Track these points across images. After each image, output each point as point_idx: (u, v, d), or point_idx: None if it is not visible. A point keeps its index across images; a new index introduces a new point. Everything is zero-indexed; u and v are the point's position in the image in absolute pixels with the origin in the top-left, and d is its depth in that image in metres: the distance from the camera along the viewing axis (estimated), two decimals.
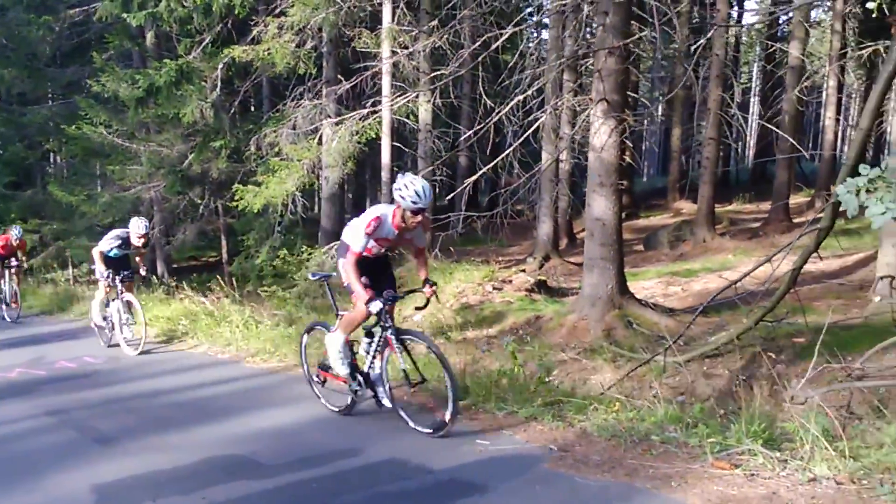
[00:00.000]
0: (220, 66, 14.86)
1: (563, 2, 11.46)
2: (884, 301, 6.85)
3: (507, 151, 9.61)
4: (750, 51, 33.59)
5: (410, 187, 5.29)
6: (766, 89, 25.38)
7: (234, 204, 14.17)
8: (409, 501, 4.27)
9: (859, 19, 19.95)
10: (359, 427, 5.87)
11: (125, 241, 10.11)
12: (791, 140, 14.36)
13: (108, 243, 10.11)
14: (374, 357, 5.90)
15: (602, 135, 8.63)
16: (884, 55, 12.24)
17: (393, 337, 5.64)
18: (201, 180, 16.94)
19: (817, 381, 5.30)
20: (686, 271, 12.51)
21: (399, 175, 5.45)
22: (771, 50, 20.30)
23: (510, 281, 11.73)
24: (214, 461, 5.14)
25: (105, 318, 10.45)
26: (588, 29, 12.28)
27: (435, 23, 12.05)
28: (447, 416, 5.28)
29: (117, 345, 10.13)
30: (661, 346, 6.62)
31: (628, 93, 14.18)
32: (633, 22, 9.48)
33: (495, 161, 9.73)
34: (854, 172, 4.72)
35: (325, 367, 6.41)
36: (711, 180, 16.16)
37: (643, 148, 36.16)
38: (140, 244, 10.11)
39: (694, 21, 19.59)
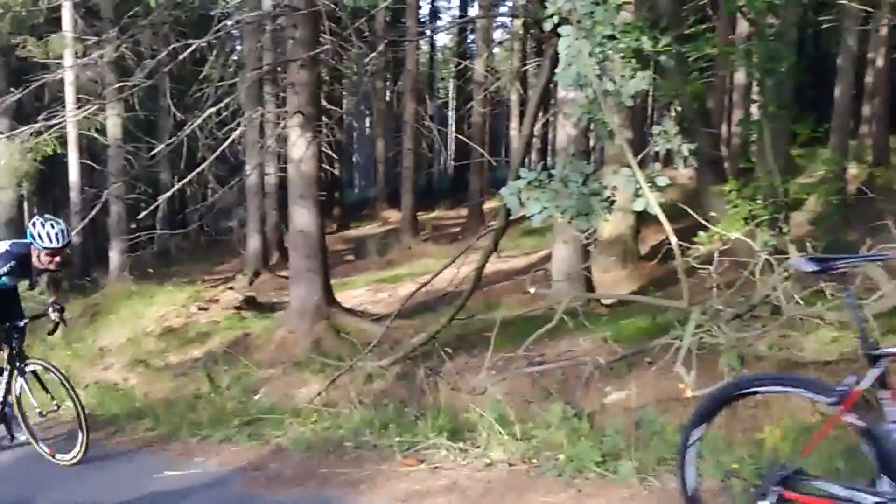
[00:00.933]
0: None
1: (257, 13, 11.33)
2: (539, 291, 7.59)
3: (201, 166, 9.22)
4: (445, 68, 35.76)
5: None
6: (461, 103, 27.22)
7: None
8: None
9: (537, 39, 22.08)
10: (27, 474, 5.21)
11: (21, 263, 5.24)
12: (479, 149, 15.54)
13: None
14: None
15: (300, 147, 8.68)
16: None
17: None
18: None
19: (502, 370, 5.70)
20: (393, 277, 13.00)
21: None
22: (460, 67, 21.83)
23: (217, 300, 11.37)
24: None
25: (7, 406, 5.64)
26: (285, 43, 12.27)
27: (115, 32, 11.24)
28: None
29: (28, 443, 5.55)
30: (368, 353, 6.75)
31: (331, 106, 14.46)
32: (325, 35, 9.62)
33: (190, 176, 9.30)
34: (518, 176, 5.20)
35: (793, 483, 2.66)
36: (412, 189, 17.02)
37: (353, 160, 37.00)
38: (52, 265, 5.21)
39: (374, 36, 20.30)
